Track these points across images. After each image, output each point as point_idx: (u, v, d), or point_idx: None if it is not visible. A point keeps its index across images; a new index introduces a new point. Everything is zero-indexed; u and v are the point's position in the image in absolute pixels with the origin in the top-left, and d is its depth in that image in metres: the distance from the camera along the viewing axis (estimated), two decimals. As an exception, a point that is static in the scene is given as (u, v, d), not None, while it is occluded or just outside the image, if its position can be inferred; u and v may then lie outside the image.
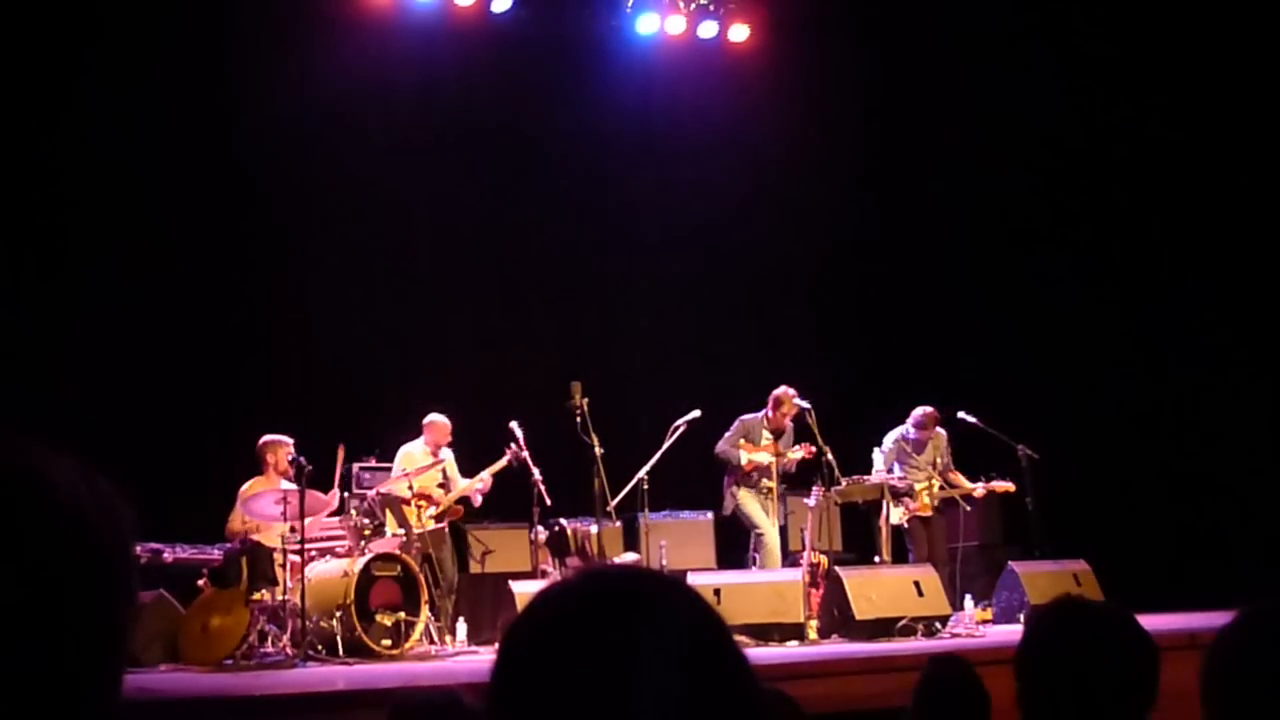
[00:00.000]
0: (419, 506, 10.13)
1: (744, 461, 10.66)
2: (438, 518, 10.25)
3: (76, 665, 1.04)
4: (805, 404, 10.59)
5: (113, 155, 10.87)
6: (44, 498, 1.04)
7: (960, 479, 11.18)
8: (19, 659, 1.00)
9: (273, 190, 11.72)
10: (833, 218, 13.82)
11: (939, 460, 11.17)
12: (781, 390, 10.77)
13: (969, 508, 11.28)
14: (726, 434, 10.81)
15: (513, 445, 10.24)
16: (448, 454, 10.49)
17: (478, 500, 10.53)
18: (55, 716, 1.02)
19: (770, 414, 10.78)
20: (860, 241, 13.90)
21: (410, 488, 10.16)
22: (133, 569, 1.11)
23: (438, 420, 10.45)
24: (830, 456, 10.44)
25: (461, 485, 10.44)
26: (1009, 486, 11.11)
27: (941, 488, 11.10)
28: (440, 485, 10.40)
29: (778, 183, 13.71)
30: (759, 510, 10.67)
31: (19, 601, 1.00)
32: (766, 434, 10.80)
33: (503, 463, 10.28)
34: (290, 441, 9.70)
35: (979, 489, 11.13)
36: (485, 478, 10.40)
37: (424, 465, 10.29)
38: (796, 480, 10.94)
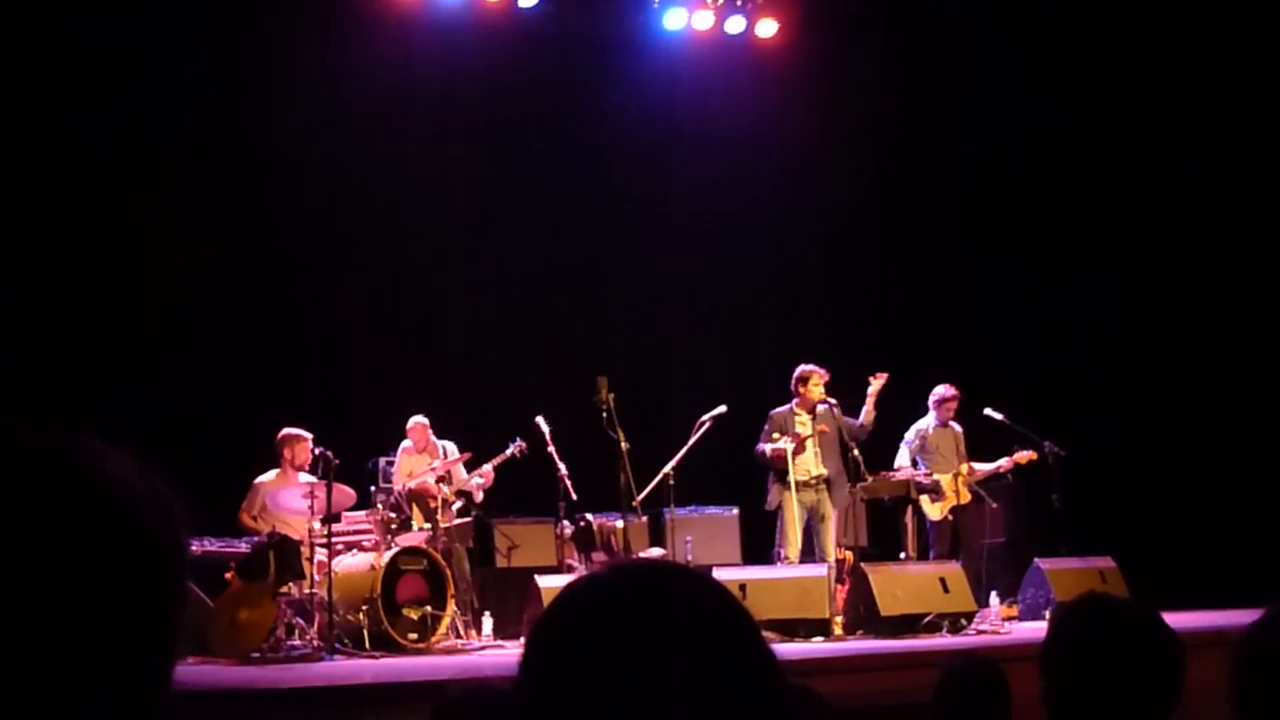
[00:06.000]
0: (431, 503, 10.14)
1: (768, 453, 10.52)
2: (456, 513, 10.26)
3: (131, 662, 1.04)
4: (832, 400, 10.55)
5: (139, 145, 10.91)
6: (101, 494, 1.05)
7: (981, 466, 11.18)
8: (77, 654, 1.01)
9: (297, 184, 11.75)
10: (860, 214, 13.78)
11: (960, 449, 11.17)
12: (801, 368, 10.60)
13: (995, 504, 11.26)
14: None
15: (518, 440, 10.24)
16: (451, 448, 10.51)
17: (479, 496, 10.50)
18: (111, 712, 1.03)
19: (798, 393, 10.57)
20: (888, 237, 13.88)
21: (437, 481, 10.21)
22: (186, 567, 1.11)
23: (415, 422, 10.47)
24: (856, 452, 10.42)
25: (461, 478, 10.45)
26: (1032, 455, 11.09)
27: (971, 473, 11.09)
28: (440, 480, 10.42)
29: (805, 178, 13.68)
30: (794, 520, 10.33)
31: (77, 598, 1.01)
32: (803, 417, 10.56)
33: (506, 455, 10.27)
34: (309, 436, 9.74)
35: (1005, 463, 11.13)
36: (486, 471, 10.38)
37: (451, 460, 10.32)
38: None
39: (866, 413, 10.64)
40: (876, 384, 10.63)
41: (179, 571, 1.10)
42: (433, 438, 10.50)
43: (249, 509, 9.74)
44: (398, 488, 10.17)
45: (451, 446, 10.50)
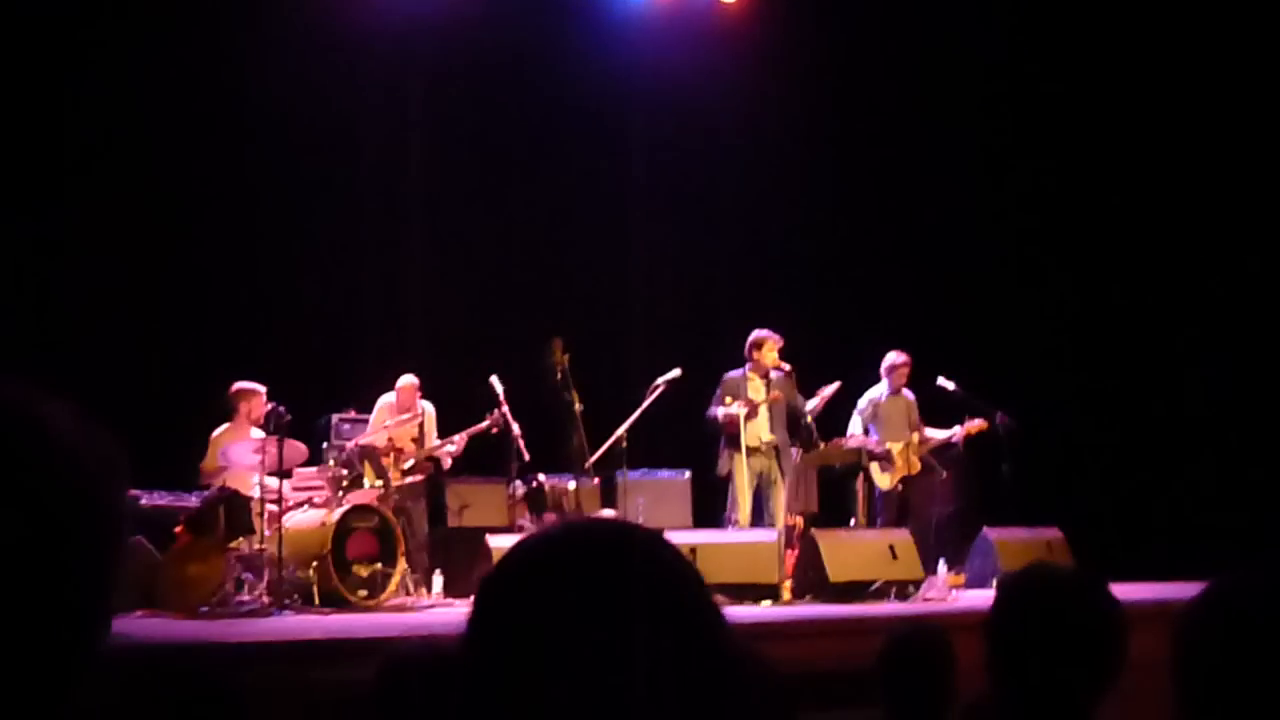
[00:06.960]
0: (395, 456, 10.13)
1: (720, 417, 10.47)
2: (409, 471, 10.24)
3: (66, 611, 1.03)
4: (785, 366, 10.54)
5: (92, 95, 10.79)
6: (40, 441, 1.03)
7: (933, 433, 11.25)
8: (10, 602, 1.00)
9: (254, 139, 11.63)
10: (819, 180, 13.77)
11: (912, 417, 11.23)
12: (756, 333, 10.51)
13: (944, 473, 11.33)
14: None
15: (495, 411, 10.20)
16: (429, 409, 10.48)
17: (447, 462, 10.49)
18: (44, 662, 1.02)
19: (751, 359, 10.48)
20: (846, 205, 13.86)
21: (390, 439, 10.19)
22: (125, 517, 1.10)
23: (405, 382, 10.42)
24: (810, 419, 10.45)
25: (433, 443, 10.43)
26: (982, 425, 11.17)
27: (922, 441, 11.16)
28: (414, 440, 10.39)
29: (765, 143, 13.67)
30: (744, 485, 10.31)
31: (11, 545, 1.00)
32: (756, 383, 10.46)
33: (481, 426, 10.24)
34: (263, 390, 9.68)
35: (956, 432, 11.20)
36: (458, 440, 10.36)
37: (403, 418, 10.29)
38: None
39: (815, 407, 10.63)
40: (830, 390, 10.65)
41: (117, 520, 1.09)
42: (419, 400, 10.45)
43: (209, 462, 9.68)
44: (351, 444, 10.11)
45: (430, 408, 10.47)
